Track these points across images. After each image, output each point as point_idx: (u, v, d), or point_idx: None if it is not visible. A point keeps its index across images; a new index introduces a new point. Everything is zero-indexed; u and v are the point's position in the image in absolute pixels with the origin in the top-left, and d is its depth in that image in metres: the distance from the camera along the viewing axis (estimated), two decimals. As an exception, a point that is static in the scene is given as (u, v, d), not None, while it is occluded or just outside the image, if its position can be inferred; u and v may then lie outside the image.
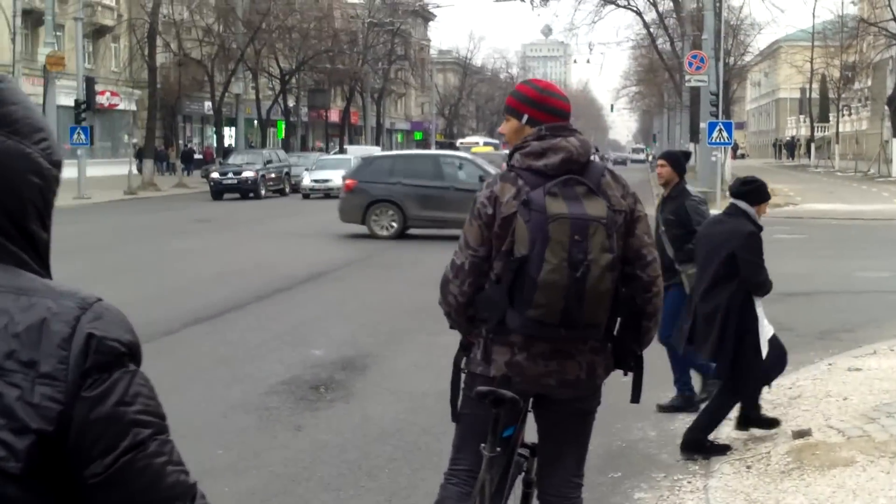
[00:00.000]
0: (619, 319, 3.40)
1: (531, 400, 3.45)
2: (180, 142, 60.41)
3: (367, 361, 8.75)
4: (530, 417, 3.59)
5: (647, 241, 3.35)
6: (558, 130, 3.32)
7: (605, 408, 7.16)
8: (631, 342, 3.43)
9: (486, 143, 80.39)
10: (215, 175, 36.96)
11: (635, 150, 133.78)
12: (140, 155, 52.16)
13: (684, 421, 6.89)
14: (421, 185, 20.07)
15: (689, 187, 7.27)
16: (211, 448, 6.11)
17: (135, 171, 39.59)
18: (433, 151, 21.89)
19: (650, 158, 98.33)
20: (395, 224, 20.15)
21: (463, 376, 3.41)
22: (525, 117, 3.39)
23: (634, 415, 6.94)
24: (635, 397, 3.55)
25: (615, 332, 3.43)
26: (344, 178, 22.25)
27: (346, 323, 10.67)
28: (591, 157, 3.39)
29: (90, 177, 41.33)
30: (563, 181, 3.21)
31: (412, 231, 20.34)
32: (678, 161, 7.16)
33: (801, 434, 6.02)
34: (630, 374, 3.53)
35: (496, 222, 3.25)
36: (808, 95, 68.16)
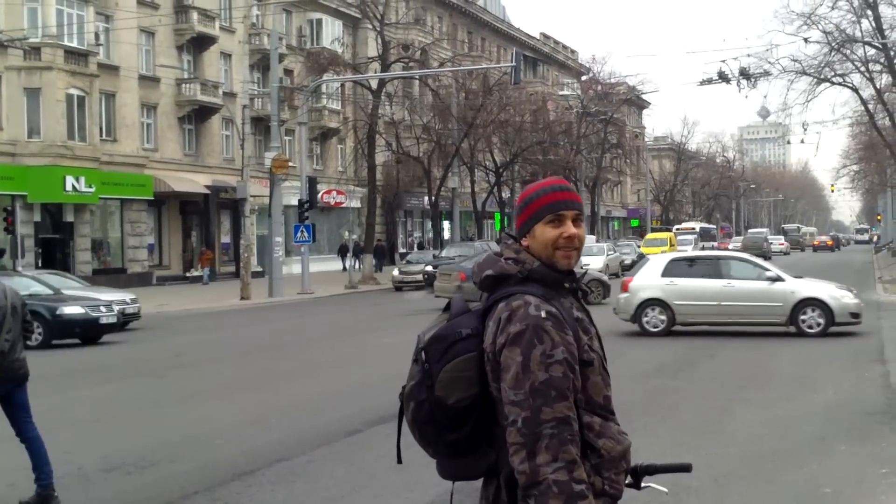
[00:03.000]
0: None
1: None
2: (401, 236, 62.44)
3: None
4: None
5: (510, 396, 2.62)
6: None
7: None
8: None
9: (702, 228, 79.20)
10: (429, 268, 37.68)
11: (859, 231, 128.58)
12: (342, 251, 54.55)
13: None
14: None
15: None
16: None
17: (344, 266, 40.81)
18: None
19: (875, 239, 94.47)
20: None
21: None
22: None
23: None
24: None
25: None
26: None
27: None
28: (502, 273, 2.79)
29: (316, 272, 43.27)
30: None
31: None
32: None
33: None
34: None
35: None
36: None
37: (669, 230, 75.32)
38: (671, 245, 57.21)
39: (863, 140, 62.99)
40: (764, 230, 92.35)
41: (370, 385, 13.55)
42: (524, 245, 2.84)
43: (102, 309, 20.53)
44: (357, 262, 43.15)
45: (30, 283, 21.07)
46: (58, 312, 19.59)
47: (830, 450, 8.87)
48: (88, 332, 20.07)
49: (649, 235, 62.46)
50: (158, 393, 13.63)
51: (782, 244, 79.64)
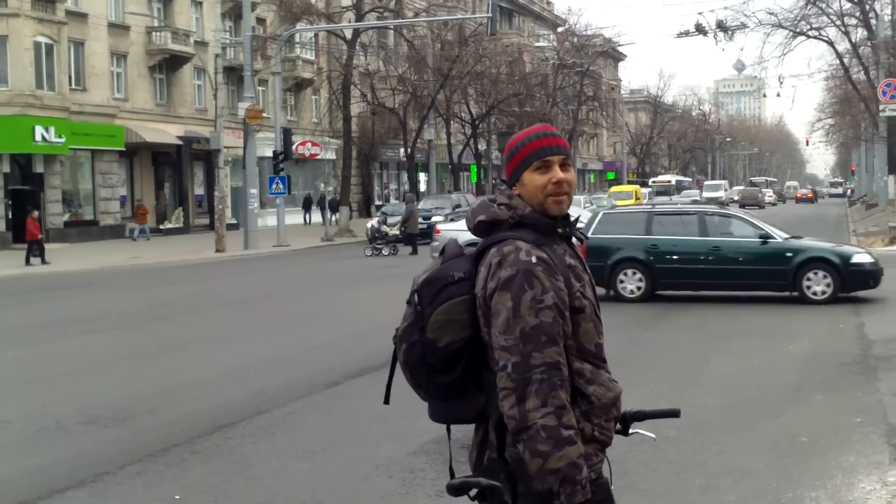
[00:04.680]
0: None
1: None
2: (377, 188, 62.21)
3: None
4: None
5: (500, 342, 2.62)
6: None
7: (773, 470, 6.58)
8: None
9: (676, 181, 79.52)
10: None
11: (833, 185, 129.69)
12: (306, 204, 54.11)
13: (864, 490, 6.22)
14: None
15: None
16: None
17: (307, 219, 40.11)
18: None
19: (849, 193, 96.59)
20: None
21: None
22: None
23: (809, 481, 6.35)
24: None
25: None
26: None
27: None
28: (494, 218, 2.79)
29: (291, 224, 43.06)
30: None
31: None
32: None
33: None
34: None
35: None
36: None
37: (646, 183, 75.61)
38: (636, 198, 57.29)
39: (838, 94, 63.24)
40: (722, 182, 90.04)
41: (348, 338, 13.54)
42: (516, 192, 2.83)
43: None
44: (330, 215, 42.75)
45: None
46: (852, 261, 16.46)
47: (806, 400, 8.96)
48: (875, 282, 16.68)
49: (613, 188, 62.55)
50: (135, 345, 13.56)
51: (771, 196, 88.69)
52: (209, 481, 6.78)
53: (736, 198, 78.55)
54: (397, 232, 31.57)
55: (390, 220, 33.15)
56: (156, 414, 8.90)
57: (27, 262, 28.47)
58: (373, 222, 32.78)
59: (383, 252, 30.17)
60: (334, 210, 44.42)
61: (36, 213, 29.83)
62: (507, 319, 2.61)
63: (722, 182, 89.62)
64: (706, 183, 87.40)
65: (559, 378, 2.60)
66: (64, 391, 10.27)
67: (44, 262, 28.62)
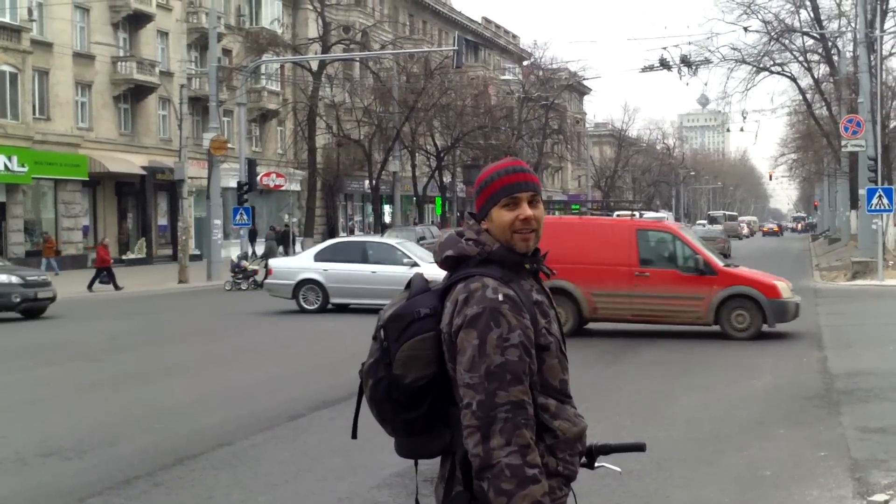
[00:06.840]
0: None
1: None
2: (341, 220, 62.09)
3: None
4: None
5: (465, 379, 2.61)
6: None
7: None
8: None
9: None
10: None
11: (795, 219, 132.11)
12: (252, 236, 53.21)
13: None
14: None
15: None
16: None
17: (254, 252, 39.69)
18: None
19: (798, 228, 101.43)
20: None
21: None
22: None
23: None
24: None
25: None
26: None
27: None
28: (462, 254, 2.77)
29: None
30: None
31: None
32: None
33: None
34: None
35: None
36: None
37: (610, 216, 75.77)
38: None
39: (800, 129, 64.06)
40: (664, 214, 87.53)
41: (312, 369, 13.46)
42: (484, 227, 2.82)
43: None
44: (296, 245, 42.50)
45: None
46: None
47: (769, 433, 9.01)
48: None
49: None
50: (96, 376, 13.38)
51: (747, 230, 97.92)
52: (170, 515, 6.69)
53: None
54: (256, 266, 31.77)
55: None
56: (117, 446, 8.77)
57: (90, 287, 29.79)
58: (232, 257, 32.95)
59: (241, 287, 30.15)
60: (288, 244, 44.07)
61: (107, 241, 31.77)
62: (473, 357, 2.60)
63: (664, 215, 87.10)
64: (646, 215, 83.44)
65: (524, 417, 2.59)
66: (23, 422, 10.11)
67: (116, 287, 29.73)
